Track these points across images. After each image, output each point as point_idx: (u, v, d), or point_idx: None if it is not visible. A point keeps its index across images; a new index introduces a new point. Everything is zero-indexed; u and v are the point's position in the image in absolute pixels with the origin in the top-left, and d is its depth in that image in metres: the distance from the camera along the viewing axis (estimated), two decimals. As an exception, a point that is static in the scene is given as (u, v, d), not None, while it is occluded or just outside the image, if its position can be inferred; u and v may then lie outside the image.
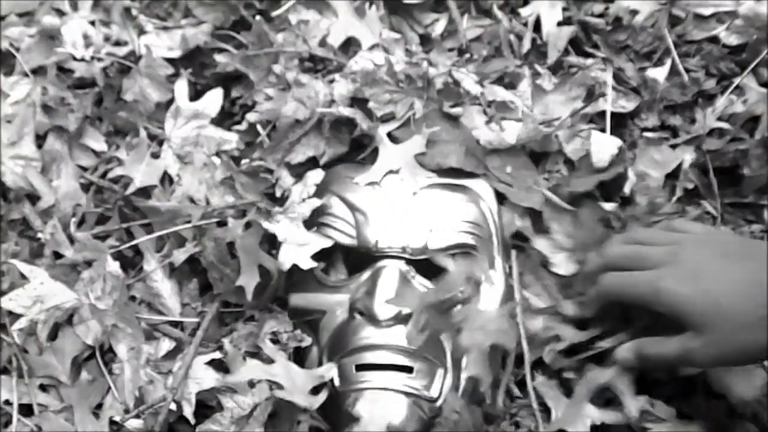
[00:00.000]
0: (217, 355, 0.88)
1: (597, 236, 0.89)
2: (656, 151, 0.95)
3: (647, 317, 0.82)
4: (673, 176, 0.95)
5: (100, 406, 0.89)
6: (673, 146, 0.95)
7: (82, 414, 0.88)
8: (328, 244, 0.88)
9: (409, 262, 0.87)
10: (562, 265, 0.90)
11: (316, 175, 0.90)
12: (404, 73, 0.92)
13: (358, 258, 0.90)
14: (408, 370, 0.82)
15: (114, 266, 0.89)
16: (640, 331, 0.83)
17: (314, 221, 0.90)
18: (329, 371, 0.84)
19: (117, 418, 0.86)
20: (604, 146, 0.91)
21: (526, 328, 0.88)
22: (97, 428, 0.87)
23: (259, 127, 0.96)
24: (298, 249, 0.87)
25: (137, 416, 0.84)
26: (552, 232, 0.91)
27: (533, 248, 0.91)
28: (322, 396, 0.83)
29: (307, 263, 0.86)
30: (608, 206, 0.90)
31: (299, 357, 0.89)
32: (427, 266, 0.88)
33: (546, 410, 0.85)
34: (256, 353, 0.88)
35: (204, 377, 0.86)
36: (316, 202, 0.89)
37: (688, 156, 0.94)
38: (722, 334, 0.74)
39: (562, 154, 0.95)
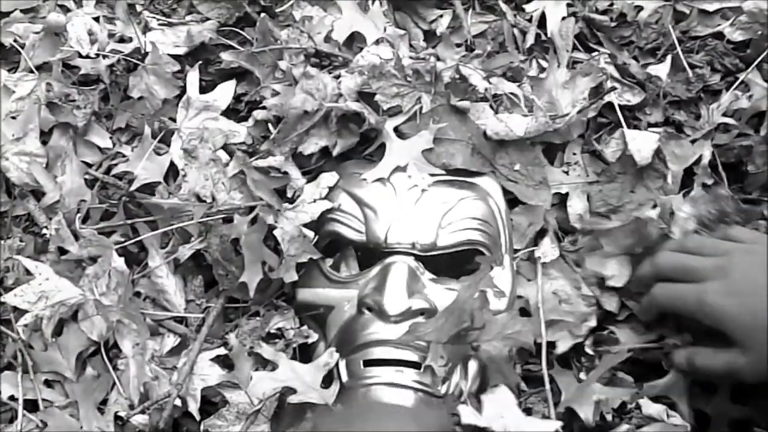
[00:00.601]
0: (222, 351, 0.88)
1: (649, 238, 0.89)
2: (676, 146, 0.94)
3: (699, 328, 0.82)
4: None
5: (105, 402, 0.89)
6: (692, 141, 0.95)
7: (86, 410, 0.88)
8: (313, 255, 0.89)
9: (417, 258, 0.87)
10: (616, 275, 0.90)
11: (330, 178, 0.91)
12: (412, 68, 0.92)
13: (367, 254, 0.90)
14: (417, 366, 0.82)
15: (119, 262, 0.89)
16: (693, 339, 0.84)
17: (323, 217, 0.90)
18: (332, 356, 0.84)
19: (122, 414, 0.86)
20: (642, 143, 0.91)
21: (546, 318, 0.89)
22: (101, 424, 0.87)
23: (270, 126, 0.96)
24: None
25: (142, 412, 0.84)
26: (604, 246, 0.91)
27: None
28: (335, 388, 0.83)
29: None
30: (653, 213, 0.90)
31: (306, 353, 0.90)
32: (435, 263, 0.88)
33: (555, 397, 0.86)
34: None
35: (209, 373, 0.86)
36: (327, 204, 0.89)
37: (707, 151, 0.94)
38: (764, 350, 0.74)
39: (579, 144, 0.96)
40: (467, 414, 0.80)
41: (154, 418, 0.84)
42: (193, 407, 0.85)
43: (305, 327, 0.89)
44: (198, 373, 0.87)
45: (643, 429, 0.82)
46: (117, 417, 0.87)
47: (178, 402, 0.84)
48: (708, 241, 0.85)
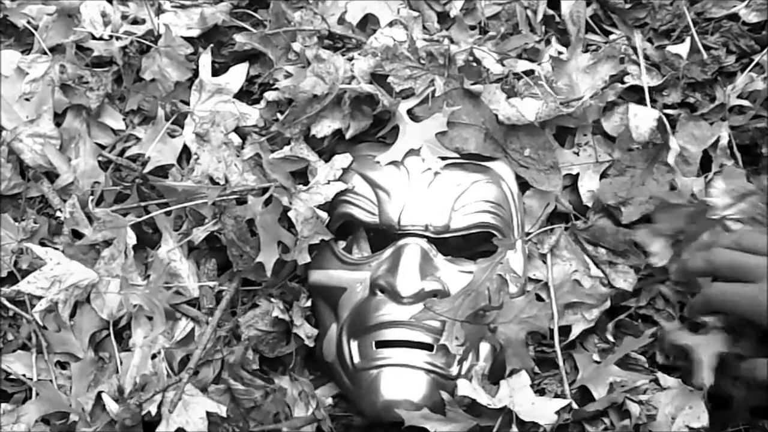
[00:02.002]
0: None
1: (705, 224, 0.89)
2: (695, 126, 0.94)
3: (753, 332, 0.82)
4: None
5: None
6: (711, 122, 0.94)
7: (78, 388, 0.89)
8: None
9: (430, 240, 0.87)
10: (659, 254, 0.90)
11: (343, 159, 0.91)
12: (425, 50, 0.92)
13: (379, 236, 0.90)
14: (429, 347, 0.83)
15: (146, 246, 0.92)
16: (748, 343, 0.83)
17: (336, 199, 0.90)
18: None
19: (107, 395, 0.86)
20: (642, 120, 0.91)
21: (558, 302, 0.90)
22: (82, 400, 0.88)
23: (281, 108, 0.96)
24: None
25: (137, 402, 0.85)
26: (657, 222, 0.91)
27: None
28: None
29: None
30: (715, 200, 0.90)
31: (318, 336, 0.90)
32: (448, 245, 0.88)
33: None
34: (270, 332, 0.89)
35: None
36: (341, 186, 0.89)
37: (724, 132, 0.93)
38: None
39: (591, 126, 0.95)
40: (464, 387, 0.81)
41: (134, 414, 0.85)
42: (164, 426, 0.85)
43: (308, 326, 0.90)
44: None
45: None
46: (98, 396, 0.87)
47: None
48: (764, 238, 0.82)
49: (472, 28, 1.02)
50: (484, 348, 0.86)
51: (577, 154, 0.95)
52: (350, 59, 0.94)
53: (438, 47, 0.92)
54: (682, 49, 0.97)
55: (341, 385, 0.87)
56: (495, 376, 0.86)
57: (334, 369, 0.87)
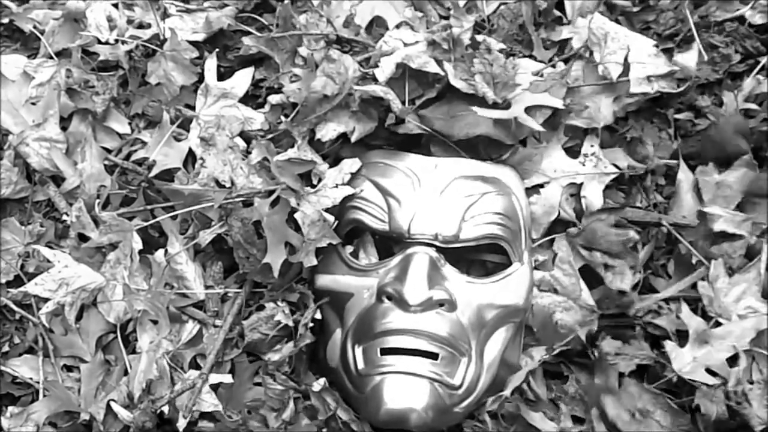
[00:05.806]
0: (227, 378, 0.89)
1: None
2: None
3: None
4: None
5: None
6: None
7: (87, 390, 0.89)
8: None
9: (439, 249, 0.87)
10: None
11: (352, 164, 0.91)
12: (428, 40, 0.92)
13: (388, 243, 0.90)
14: (433, 356, 0.83)
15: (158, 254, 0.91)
16: None
17: (345, 205, 0.90)
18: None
19: (117, 402, 0.87)
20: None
21: None
22: (93, 410, 0.88)
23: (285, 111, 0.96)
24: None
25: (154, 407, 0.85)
26: None
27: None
28: None
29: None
30: None
31: (322, 339, 0.90)
32: (454, 254, 0.88)
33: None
34: (273, 336, 0.89)
35: (206, 400, 0.87)
36: (349, 190, 0.89)
37: None
38: None
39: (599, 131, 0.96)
40: None
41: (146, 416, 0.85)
42: (182, 423, 0.86)
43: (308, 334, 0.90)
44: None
45: None
46: (108, 404, 0.87)
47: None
48: None
49: (479, 27, 1.02)
50: (488, 358, 0.86)
51: (583, 164, 0.95)
52: (360, 62, 0.94)
53: (440, 33, 0.92)
54: (691, 57, 0.97)
55: (344, 390, 0.87)
56: (495, 387, 0.88)
57: (337, 373, 0.87)
